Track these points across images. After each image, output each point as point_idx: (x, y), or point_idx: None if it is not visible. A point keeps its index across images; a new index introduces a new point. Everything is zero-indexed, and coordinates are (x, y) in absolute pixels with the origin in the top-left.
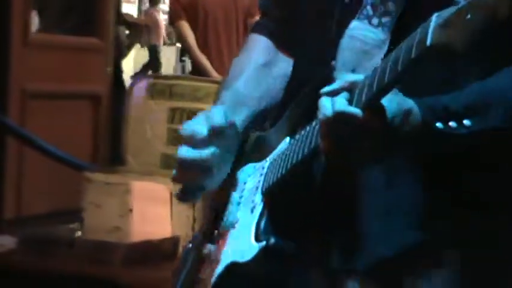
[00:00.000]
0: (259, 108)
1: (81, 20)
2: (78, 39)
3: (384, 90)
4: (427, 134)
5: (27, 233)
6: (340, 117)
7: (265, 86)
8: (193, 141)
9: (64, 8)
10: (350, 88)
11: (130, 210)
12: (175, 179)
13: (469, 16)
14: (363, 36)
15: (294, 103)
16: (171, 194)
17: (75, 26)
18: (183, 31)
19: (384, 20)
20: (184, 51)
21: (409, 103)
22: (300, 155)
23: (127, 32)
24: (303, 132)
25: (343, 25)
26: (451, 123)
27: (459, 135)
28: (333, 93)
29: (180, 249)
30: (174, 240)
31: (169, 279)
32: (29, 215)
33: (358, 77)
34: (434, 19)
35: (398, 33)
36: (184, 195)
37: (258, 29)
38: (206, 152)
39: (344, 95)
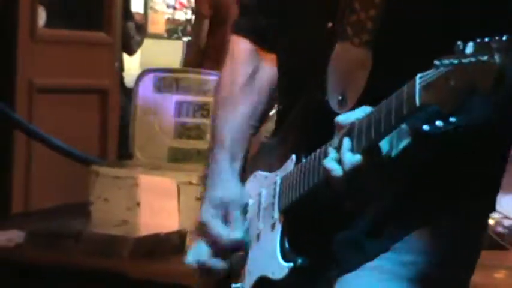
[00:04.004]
0: (256, 119)
1: (88, 14)
2: (85, 34)
3: (380, 138)
4: (420, 138)
5: (35, 227)
6: (349, 173)
7: (256, 98)
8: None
9: (71, 2)
10: (349, 132)
11: (138, 204)
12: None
13: (452, 83)
14: (347, 57)
15: (292, 118)
16: (178, 187)
17: (82, 21)
18: (202, 29)
19: (364, 38)
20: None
21: None
22: (311, 182)
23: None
24: (309, 158)
25: (330, 47)
26: (438, 123)
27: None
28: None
29: (187, 242)
30: (181, 234)
31: (177, 272)
32: (36, 210)
33: (354, 117)
34: (418, 80)
35: (379, 49)
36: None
37: (239, 29)
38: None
39: (347, 145)
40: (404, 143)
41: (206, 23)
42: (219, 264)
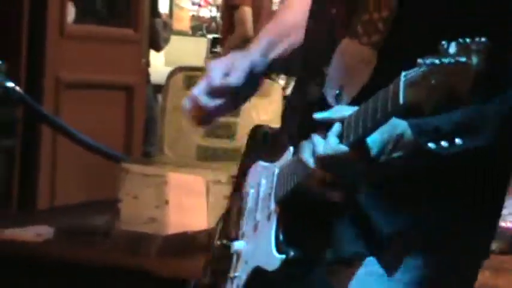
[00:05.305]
0: (295, 42)
1: (117, 11)
2: (113, 30)
3: (367, 133)
4: (418, 154)
5: (61, 223)
6: (331, 156)
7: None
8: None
9: None
10: (341, 121)
11: (167, 202)
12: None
13: (433, 82)
14: (351, 53)
15: (291, 107)
16: (207, 185)
17: (110, 18)
18: (245, 17)
19: (374, 38)
20: (216, 42)
21: (401, 127)
22: (303, 173)
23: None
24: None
25: (335, 39)
26: (443, 143)
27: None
28: (326, 121)
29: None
30: (209, 233)
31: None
32: (63, 205)
33: (348, 111)
34: (403, 78)
35: (386, 51)
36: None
37: None
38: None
39: (336, 130)
40: (399, 153)
41: (248, 12)
42: (208, 101)
